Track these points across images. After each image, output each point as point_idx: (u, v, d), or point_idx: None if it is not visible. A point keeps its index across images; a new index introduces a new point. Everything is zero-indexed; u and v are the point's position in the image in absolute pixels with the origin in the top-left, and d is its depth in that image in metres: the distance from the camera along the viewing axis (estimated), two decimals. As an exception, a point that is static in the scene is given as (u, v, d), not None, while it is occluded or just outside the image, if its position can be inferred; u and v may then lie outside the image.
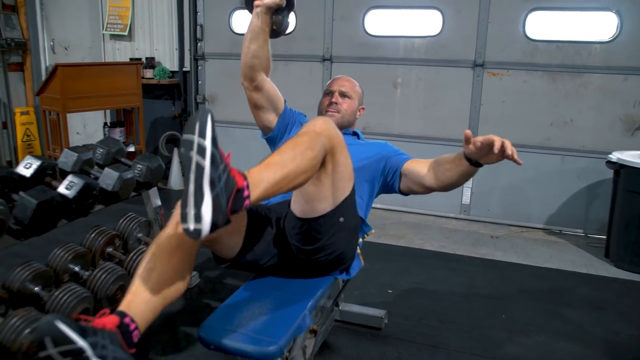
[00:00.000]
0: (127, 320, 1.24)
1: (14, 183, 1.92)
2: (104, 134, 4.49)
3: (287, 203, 1.75)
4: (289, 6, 1.93)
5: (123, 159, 2.51)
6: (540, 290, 3.04)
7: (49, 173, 2.10)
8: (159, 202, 2.73)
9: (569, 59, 3.87)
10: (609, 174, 3.55)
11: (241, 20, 4.67)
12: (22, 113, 4.88)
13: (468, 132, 1.69)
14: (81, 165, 2.28)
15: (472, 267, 3.35)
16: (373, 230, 2.04)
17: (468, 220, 4.30)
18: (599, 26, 3.83)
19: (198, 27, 4.77)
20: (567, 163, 4.02)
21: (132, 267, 2.20)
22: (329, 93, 2.17)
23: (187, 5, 4.75)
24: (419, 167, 1.95)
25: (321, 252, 1.70)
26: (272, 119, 2.15)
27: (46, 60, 5.30)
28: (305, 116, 2.23)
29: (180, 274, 1.40)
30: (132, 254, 2.25)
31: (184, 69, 4.91)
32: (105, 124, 4.56)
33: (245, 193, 1.25)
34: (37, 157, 2.10)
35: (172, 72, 4.93)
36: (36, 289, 1.89)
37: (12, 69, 5.21)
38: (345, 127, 2.16)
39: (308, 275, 1.83)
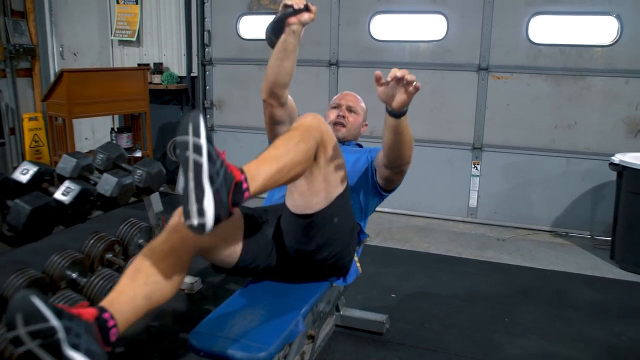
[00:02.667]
0: (106, 315, 1.19)
1: (9, 189, 1.88)
2: (111, 140, 4.46)
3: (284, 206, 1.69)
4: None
5: (124, 165, 2.46)
6: (544, 293, 2.95)
7: (46, 179, 2.05)
8: (160, 208, 2.68)
9: (571, 62, 3.79)
10: (614, 175, 3.45)
11: (248, 26, 4.62)
12: (30, 119, 4.85)
13: (377, 72, 1.60)
14: (80, 171, 2.23)
15: (477, 271, 3.27)
16: (369, 237, 1.96)
17: (475, 224, 4.21)
18: (600, 30, 3.76)
19: (205, 32, 4.73)
20: (572, 165, 3.92)
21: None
22: (336, 107, 2.18)
23: (194, 11, 4.71)
24: (381, 153, 1.89)
25: (317, 253, 1.65)
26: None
27: (55, 66, 5.28)
28: None
29: (168, 279, 1.36)
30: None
31: (192, 74, 4.87)
32: (112, 129, 4.53)
33: (244, 186, 1.27)
34: (34, 162, 2.05)
35: (180, 77, 4.90)
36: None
37: (20, 74, 5.17)
38: (350, 140, 2.17)
39: (305, 279, 1.78)
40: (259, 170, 1.32)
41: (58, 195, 1.95)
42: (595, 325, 2.59)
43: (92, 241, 2.23)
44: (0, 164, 4.86)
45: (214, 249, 1.56)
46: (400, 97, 1.56)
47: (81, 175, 2.25)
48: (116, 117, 4.97)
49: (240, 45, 4.64)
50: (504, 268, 3.33)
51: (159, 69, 4.84)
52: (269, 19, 1.91)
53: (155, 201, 2.66)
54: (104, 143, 2.60)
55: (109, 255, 2.25)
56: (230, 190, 1.22)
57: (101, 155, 2.43)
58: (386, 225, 4.09)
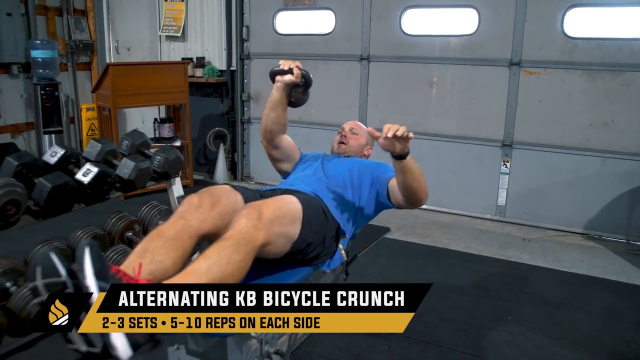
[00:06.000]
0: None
1: (38, 169, 2.15)
2: (154, 129, 4.80)
3: (291, 191, 1.90)
4: (307, 84, 2.14)
5: (145, 151, 2.71)
6: (556, 295, 2.94)
7: (72, 161, 2.32)
8: (181, 192, 2.91)
9: (609, 57, 3.68)
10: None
11: (284, 21, 4.81)
12: (87, 109, 5.30)
13: (370, 129, 1.75)
14: (104, 155, 2.49)
15: (491, 269, 3.29)
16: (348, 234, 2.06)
17: (502, 222, 4.20)
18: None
19: (244, 28, 4.97)
20: (608, 166, 3.82)
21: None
22: (340, 131, 2.35)
23: (234, 7, 4.96)
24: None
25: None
26: (288, 167, 2.32)
27: (111, 60, 5.71)
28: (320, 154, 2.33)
29: (171, 260, 1.53)
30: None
31: (232, 68, 5.13)
32: (156, 119, 4.87)
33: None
34: (63, 146, 2.32)
35: (221, 71, 5.17)
36: (52, 264, 2.11)
37: (80, 68, 5.68)
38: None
39: (288, 263, 1.90)
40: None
41: (79, 176, 2.20)
42: (605, 330, 2.57)
43: (113, 220, 2.50)
44: (58, 150, 5.36)
45: (218, 234, 1.66)
46: (398, 146, 1.71)
47: (105, 159, 2.51)
48: (162, 108, 5.33)
49: (277, 40, 4.84)
50: (521, 267, 3.32)
51: (201, 62, 5.14)
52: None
53: (177, 186, 2.90)
54: (131, 131, 2.86)
55: (129, 234, 2.51)
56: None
57: (126, 142, 2.68)
58: (410, 220, 4.16)
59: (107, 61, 5.62)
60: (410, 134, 1.68)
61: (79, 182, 2.19)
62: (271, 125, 2.17)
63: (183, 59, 5.19)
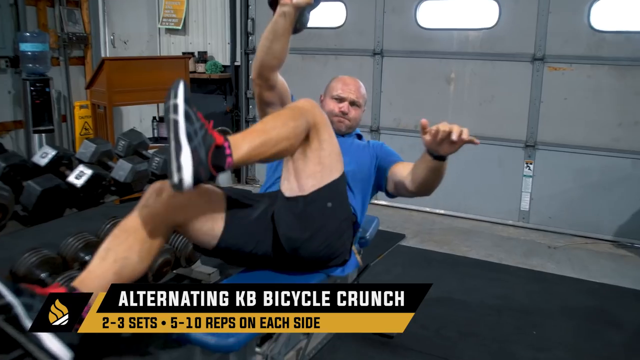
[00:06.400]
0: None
1: (27, 171, 2.12)
2: (152, 129, 4.78)
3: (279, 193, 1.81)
4: (316, 2, 1.91)
5: (143, 152, 2.67)
6: (585, 308, 2.88)
7: (64, 163, 2.29)
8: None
9: (640, 52, 3.62)
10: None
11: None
12: (81, 107, 5.27)
13: (424, 121, 1.68)
14: (99, 156, 2.46)
15: (514, 279, 3.23)
16: (365, 232, 2.04)
17: (526, 229, 4.13)
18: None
19: (249, 20, 4.94)
20: (639, 168, 3.74)
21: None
22: (338, 99, 2.17)
23: (239, -1, 4.94)
24: (403, 169, 1.99)
25: (309, 241, 1.71)
26: None
27: (106, 54, 5.67)
28: None
29: (137, 255, 1.51)
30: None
31: (236, 64, 5.11)
32: (154, 118, 4.84)
33: (227, 151, 1.41)
34: (54, 147, 2.30)
35: (224, 66, 5.14)
36: (42, 275, 2.06)
37: (73, 62, 5.60)
38: (349, 133, 2.21)
39: (300, 271, 1.85)
40: (244, 140, 1.46)
41: (71, 178, 2.18)
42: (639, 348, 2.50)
43: (108, 226, 2.46)
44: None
45: (190, 224, 1.66)
46: (448, 148, 1.67)
47: (100, 160, 2.48)
48: (161, 106, 5.30)
49: (284, 34, 4.79)
50: (547, 277, 3.27)
51: (203, 57, 5.11)
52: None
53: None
54: (128, 130, 2.83)
55: (124, 240, 2.47)
56: (210, 151, 1.37)
57: (122, 142, 2.66)
58: (427, 226, 4.10)
59: (102, 55, 5.58)
60: (474, 139, 1.62)
61: (71, 185, 2.16)
62: (272, 61, 1.92)
63: (184, 53, 5.17)
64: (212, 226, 1.70)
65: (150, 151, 2.72)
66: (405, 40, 4.35)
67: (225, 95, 5.25)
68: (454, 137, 1.60)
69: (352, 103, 2.17)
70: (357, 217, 1.97)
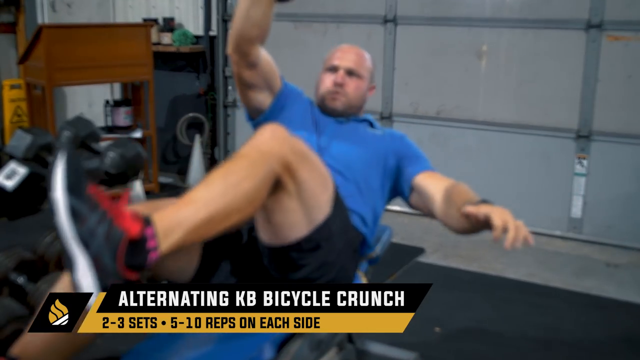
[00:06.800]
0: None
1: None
2: (105, 115, 4.75)
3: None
4: None
5: (93, 145, 2.64)
6: (655, 342, 2.88)
7: (-9, 159, 2.25)
8: (142, 198, 2.86)
9: None
10: None
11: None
12: (12, 87, 5.15)
13: (469, 209, 1.65)
14: (36, 151, 2.42)
15: (565, 305, 3.25)
16: (374, 252, 2.02)
17: (578, 241, 4.15)
18: None
19: (228, -21, 4.95)
20: None
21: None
22: (331, 69, 2.12)
23: (214, -48, 4.96)
24: (432, 187, 1.95)
25: (302, 277, 1.71)
26: (264, 99, 2.15)
27: (45, 20, 5.54)
28: (302, 95, 2.23)
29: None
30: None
31: (211, 34, 5.11)
32: (107, 102, 4.82)
33: (151, 244, 1.28)
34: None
35: (197, 37, 5.15)
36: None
37: (1, 30, 5.46)
38: (352, 114, 2.15)
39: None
40: (178, 220, 1.31)
41: (0, 179, 2.14)
42: None
43: (47, 239, 2.43)
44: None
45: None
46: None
47: (38, 155, 2.44)
48: (116, 86, 5.27)
49: (271, -4, 4.79)
50: (607, 304, 3.28)
51: (169, 25, 5.12)
52: None
53: (137, 192, 2.85)
54: (73, 117, 2.80)
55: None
56: (119, 252, 1.24)
57: (66, 132, 2.62)
58: (451, 238, 4.02)
59: (40, 22, 5.50)
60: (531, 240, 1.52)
61: (1, 188, 2.13)
62: (251, 30, 1.87)
63: (145, 20, 5.17)
64: (188, 262, 1.71)
65: (103, 144, 2.69)
66: (425, 3, 4.36)
67: (198, 73, 5.26)
68: (507, 244, 1.48)
69: (350, 73, 2.10)
70: (366, 237, 1.94)
